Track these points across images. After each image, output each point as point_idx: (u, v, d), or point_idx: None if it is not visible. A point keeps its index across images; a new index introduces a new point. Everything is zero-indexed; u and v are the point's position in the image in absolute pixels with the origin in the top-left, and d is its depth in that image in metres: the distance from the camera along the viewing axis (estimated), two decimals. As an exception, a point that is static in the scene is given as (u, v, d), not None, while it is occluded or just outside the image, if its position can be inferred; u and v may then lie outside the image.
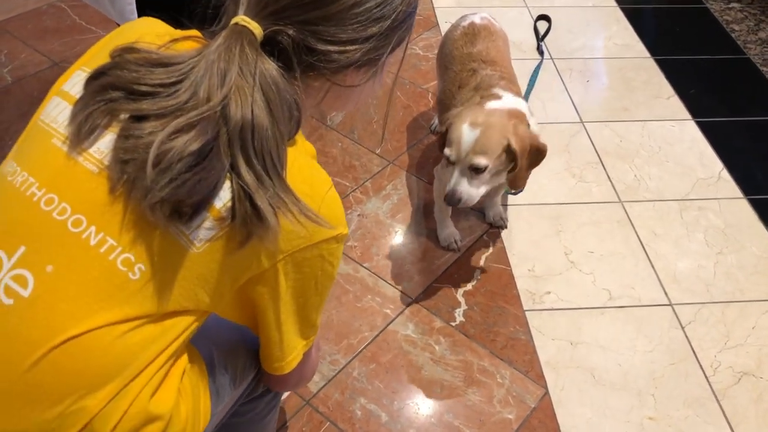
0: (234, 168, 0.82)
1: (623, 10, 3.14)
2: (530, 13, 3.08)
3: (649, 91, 2.70)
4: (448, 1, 3.14)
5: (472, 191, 1.70)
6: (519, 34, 2.93)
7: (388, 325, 1.84)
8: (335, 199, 0.94)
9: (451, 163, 1.70)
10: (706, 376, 1.78)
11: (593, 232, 2.15)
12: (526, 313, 1.90)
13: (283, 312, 0.94)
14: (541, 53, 2.80)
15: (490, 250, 2.06)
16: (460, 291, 1.94)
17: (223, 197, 0.82)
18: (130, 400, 0.84)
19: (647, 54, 2.89)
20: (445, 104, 1.97)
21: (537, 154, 1.74)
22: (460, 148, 1.66)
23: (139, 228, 0.82)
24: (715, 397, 1.74)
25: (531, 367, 1.78)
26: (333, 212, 0.92)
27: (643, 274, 2.02)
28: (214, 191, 0.81)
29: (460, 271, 2.00)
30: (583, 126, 2.52)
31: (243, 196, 0.81)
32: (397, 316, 1.88)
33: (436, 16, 3.03)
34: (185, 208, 0.80)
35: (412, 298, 1.91)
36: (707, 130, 2.53)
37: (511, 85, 1.91)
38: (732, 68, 2.89)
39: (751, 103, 2.71)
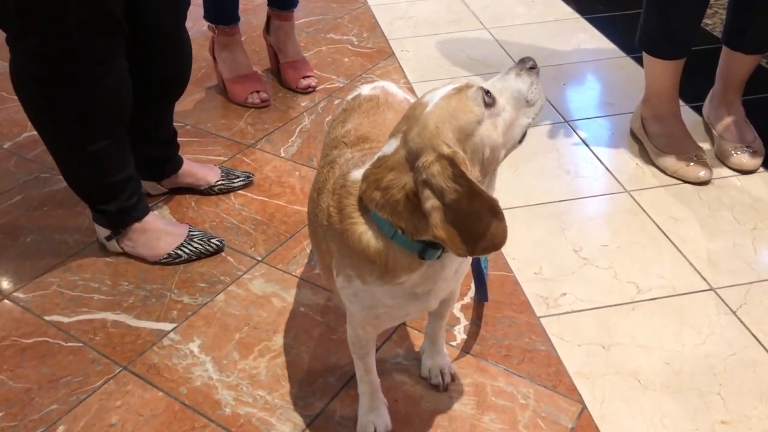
0: None
1: (588, 20, 2.96)
2: (491, 33, 2.87)
3: (633, 86, 2.46)
4: (403, 32, 2.94)
5: None
6: (481, 52, 2.72)
7: (372, 354, 1.46)
8: None
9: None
10: (778, 363, 1.41)
11: (602, 225, 1.82)
12: (541, 320, 1.54)
13: None
14: None
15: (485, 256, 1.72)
16: (457, 305, 1.58)
17: None
18: None
19: (622, 53, 2.68)
20: (312, 228, 1.22)
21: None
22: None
23: None
24: (797, 385, 1.36)
25: (559, 381, 1.40)
26: None
27: (671, 261, 1.69)
28: None
29: (453, 286, 1.64)
30: (568, 125, 2.24)
31: None
32: (384, 342, 1.50)
33: (390, 46, 2.82)
34: None
35: (399, 321, 1.55)
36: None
37: None
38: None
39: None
